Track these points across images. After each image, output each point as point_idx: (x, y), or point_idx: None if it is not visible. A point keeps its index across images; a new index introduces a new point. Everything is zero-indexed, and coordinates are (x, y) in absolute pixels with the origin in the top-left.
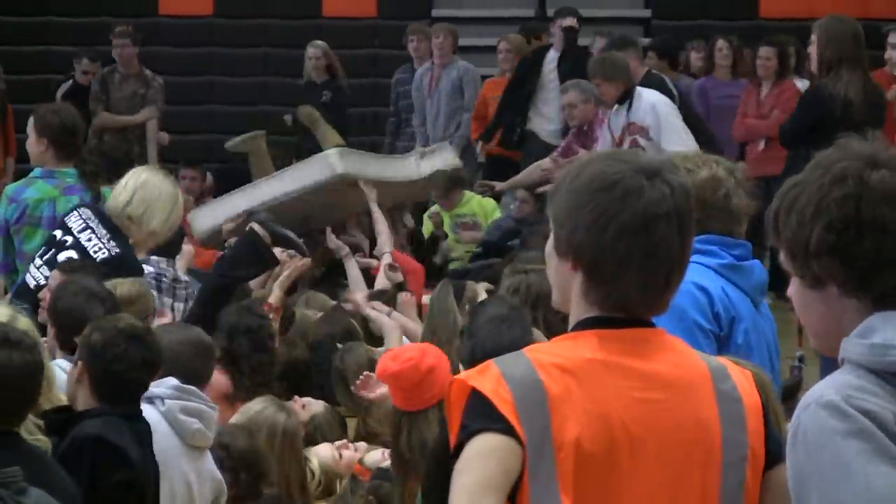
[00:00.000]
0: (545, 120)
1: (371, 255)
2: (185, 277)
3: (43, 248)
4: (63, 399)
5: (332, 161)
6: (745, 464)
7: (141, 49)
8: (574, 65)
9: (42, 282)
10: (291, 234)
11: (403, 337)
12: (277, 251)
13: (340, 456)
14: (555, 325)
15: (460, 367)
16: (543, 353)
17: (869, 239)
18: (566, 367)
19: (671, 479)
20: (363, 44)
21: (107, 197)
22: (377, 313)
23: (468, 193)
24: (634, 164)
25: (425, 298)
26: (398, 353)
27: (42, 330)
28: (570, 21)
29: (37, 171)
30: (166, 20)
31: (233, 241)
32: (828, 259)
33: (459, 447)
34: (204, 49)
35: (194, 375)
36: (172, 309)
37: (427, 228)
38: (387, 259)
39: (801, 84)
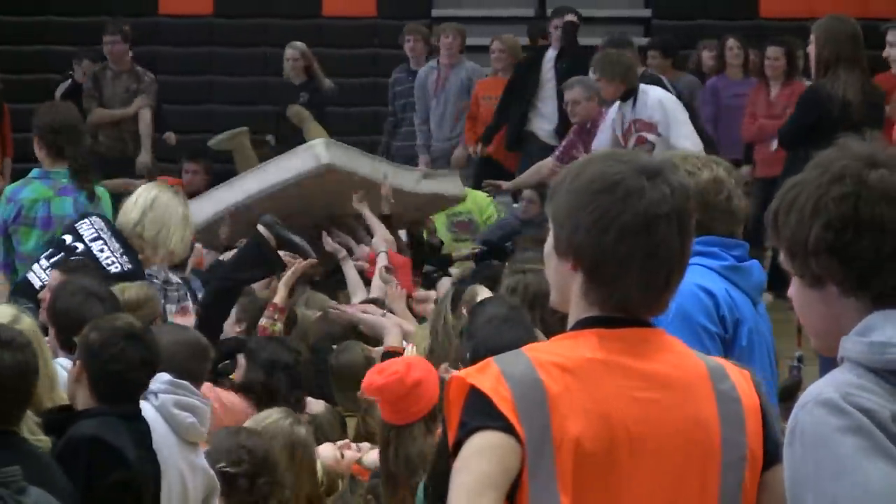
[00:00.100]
0: (544, 119)
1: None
2: (176, 279)
3: (51, 250)
4: (66, 399)
5: (317, 151)
6: (744, 464)
7: (140, 48)
8: (573, 62)
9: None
10: (296, 238)
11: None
12: (281, 253)
13: (342, 456)
14: (553, 324)
15: (459, 366)
16: (543, 352)
17: (867, 238)
18: (566, 367)
19: (670, 479)
20: (363, 43)
21: (101, 196)
22: (373, 315)
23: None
24: (635, 165)
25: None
26: (384, 367)
27: (45, 330)
28: (570, 17)
29: (34, 172)
30: (166, 20)
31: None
32: (826, 258)
33: (458, 445)
34: (204, 49)
35: (189, 376)
36: (164, 311)
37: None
38: (382, 260)
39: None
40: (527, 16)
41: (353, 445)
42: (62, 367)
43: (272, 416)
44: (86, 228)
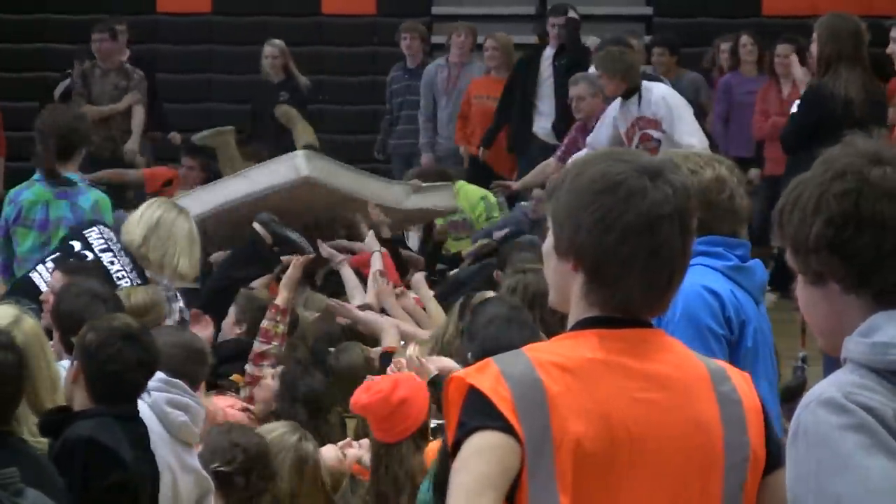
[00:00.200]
0: (542, 117)
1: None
2: (165, 280)
3: (58, 254)
4: None
5: (297, 163)
6: (747, 465)
7: (139, 47)
8: (572, 60)
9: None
10: (293, 234)
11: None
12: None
13: (345, 455)
14: (552, 325)
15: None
16: (543, 352)
17: (868, 235)
18: (566, 367)
19: (671, 480)
20: (362, 41)
21: (100, 202)
22: (372, 315)
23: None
24: (636, 165)
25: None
26: (370, 385)
27: (49, 333)
28: (572, 14)
29: (36, 174)
30: (165, 18)
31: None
32: (826, 255)
33: (457, 445)
34: (203, 47)
35: (187, 379)
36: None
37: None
38: (376, 263)
39: None
40: (527, 13)
41: (355, 443)
42: (65, 369)
43: (278, 430)
44: (95, 237)
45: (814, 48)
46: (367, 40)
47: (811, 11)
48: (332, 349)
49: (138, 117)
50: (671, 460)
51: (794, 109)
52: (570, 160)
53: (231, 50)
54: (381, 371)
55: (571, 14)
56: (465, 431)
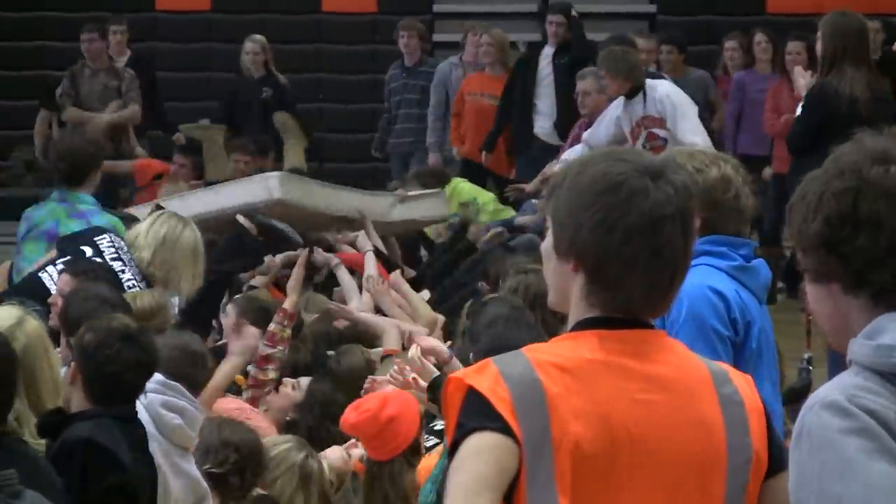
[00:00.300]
0: (542, 117)
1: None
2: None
3: (69, 258)
4: None
5: (270, 184)
6: (749, 467)
7: (138, 45)
8: (575, 57)
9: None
10: (279, 224)
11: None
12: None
13: (350, 455)
14: (553, 325)
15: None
16: (542, 353)
17: (865, 235)
18: (565, 367)
19: (672, 481)
20: (362, 39)
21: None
22: (373, 317)
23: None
24: (638, 165)
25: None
26: (359, 403)
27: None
28: (574, 12)
29: (54, 194)
30: (164, 15)
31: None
32: (824, 253)
33: (455, 446)
34: (202, 44)
35: (187, 383)
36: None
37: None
38: (370, 260)
39: None
40: (529, 11)
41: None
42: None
43: (283, 446)
44: (106, 245)
45: (818, 46)
46: (367, 38)
47: (816, 9)
48: (330, 351)
49: (135, 119)
50: (672, 462)
51: (798, 112)
52: (570, 159)
53: (230, 48)
54: (384, 373)
55: (574, 12)
56: (463, 432)
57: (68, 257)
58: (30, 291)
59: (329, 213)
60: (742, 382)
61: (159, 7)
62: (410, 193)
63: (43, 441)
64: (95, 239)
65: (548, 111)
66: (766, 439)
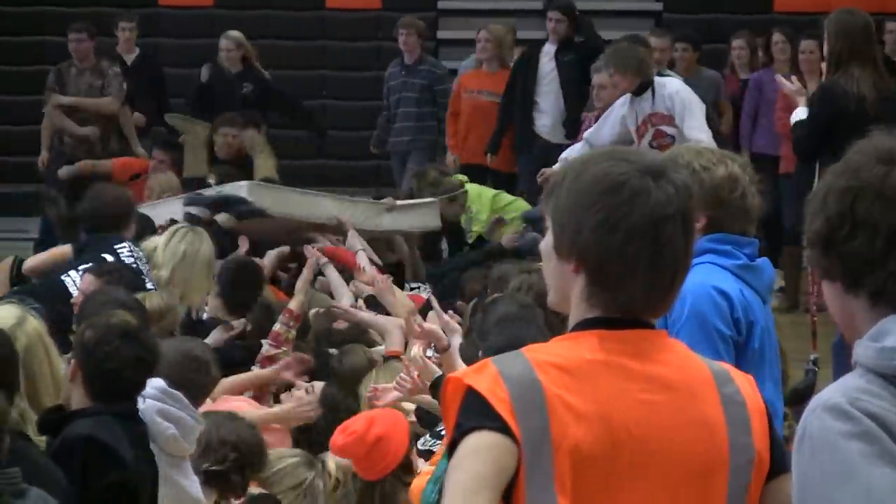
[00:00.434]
0: (543, 115)
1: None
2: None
3: (90, 264)
4: None
5: (239, 193)
6: (751, 467)
7: (141, 40)
8: (582, 53)
9: None
10: (230, 193)
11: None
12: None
13: None
14: (556, 325)
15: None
16: (542, 353)
17: (861, 236)
18: (565, 367)
19: (673, 482)
20: (366, 36)
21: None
22: (374, 316)
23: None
24: (639, 164)
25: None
26: (347, 425)
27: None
28: (576, 11)
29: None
30: (167, 11)
31: None
32: (825, 252)
33: (454, 445)
34: (205, 40)
35: (191, 390)
36: None
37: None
38: (362, 259)
39: None
40: (534, 8)
41: None
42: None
43: (291, 460)
44: (126, 254)
45: (825, 45)
46: (371, 35)
47: (823, 8)
48: (332, 350)
49: (126, 116)
50: (674, 462)
51: (794, 117)
52: (569, 158)
53: None
54: (385, 374)
55: (577, 11)
56: (461, 431)
57: (90, 263)
58: (54, 295)
59: (308, 221)
60: (744, 382)
61: (162, 3)
62: (399, 203)
63: (43, 438)
64: (116, 247)
65: (549, 109)
66: (768, 440)
